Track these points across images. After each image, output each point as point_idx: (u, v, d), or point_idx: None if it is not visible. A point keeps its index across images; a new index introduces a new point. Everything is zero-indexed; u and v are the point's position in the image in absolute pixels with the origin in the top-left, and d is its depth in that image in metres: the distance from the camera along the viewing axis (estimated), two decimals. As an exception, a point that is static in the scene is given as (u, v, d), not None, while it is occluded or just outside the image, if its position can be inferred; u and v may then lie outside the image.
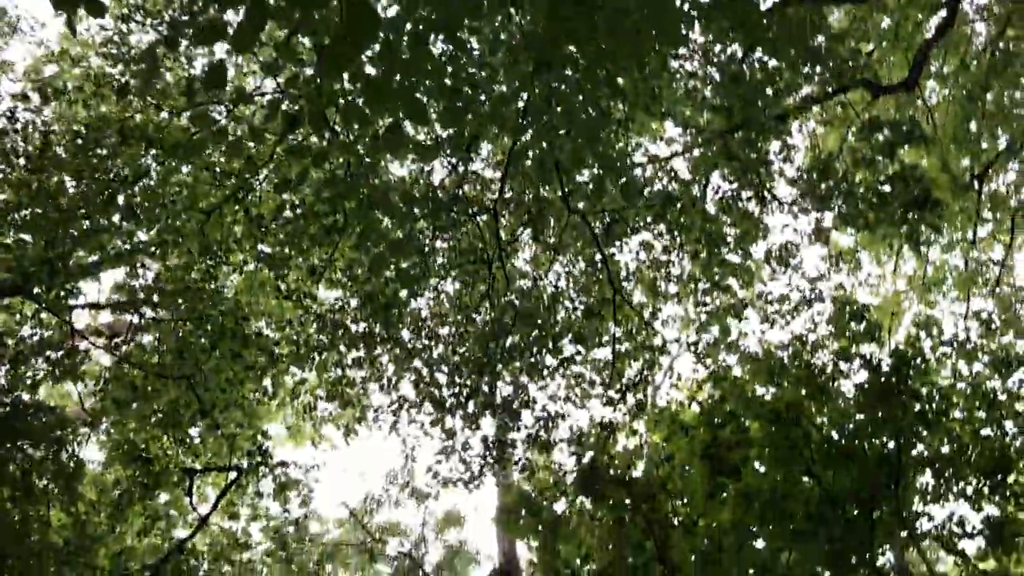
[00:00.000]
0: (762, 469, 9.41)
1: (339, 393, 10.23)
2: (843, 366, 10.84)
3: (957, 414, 11.20)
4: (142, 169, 9.72)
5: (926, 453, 11.09)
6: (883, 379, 10.52)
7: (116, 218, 9.69)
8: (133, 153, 9.53)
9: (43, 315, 10.35)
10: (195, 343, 9.78)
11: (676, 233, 10.85)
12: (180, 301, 9.80)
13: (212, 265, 10.12)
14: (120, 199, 9.58)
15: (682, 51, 9.17)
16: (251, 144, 8.33)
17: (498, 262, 8.89)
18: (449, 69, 4.20)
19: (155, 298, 10.27)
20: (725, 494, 9.08)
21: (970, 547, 11.40)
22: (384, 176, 8.62)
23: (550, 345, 9.36)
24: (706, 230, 10.60)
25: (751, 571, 9.47)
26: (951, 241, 14.53)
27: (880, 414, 10.24)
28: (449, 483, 9.75)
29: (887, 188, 10.57)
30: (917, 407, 10.73)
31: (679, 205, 10.05)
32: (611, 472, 8.40)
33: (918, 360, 10.83)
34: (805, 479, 9.35)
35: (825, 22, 10.27)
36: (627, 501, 8.34)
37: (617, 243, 9.70)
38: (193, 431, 10.82)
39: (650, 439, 10.14)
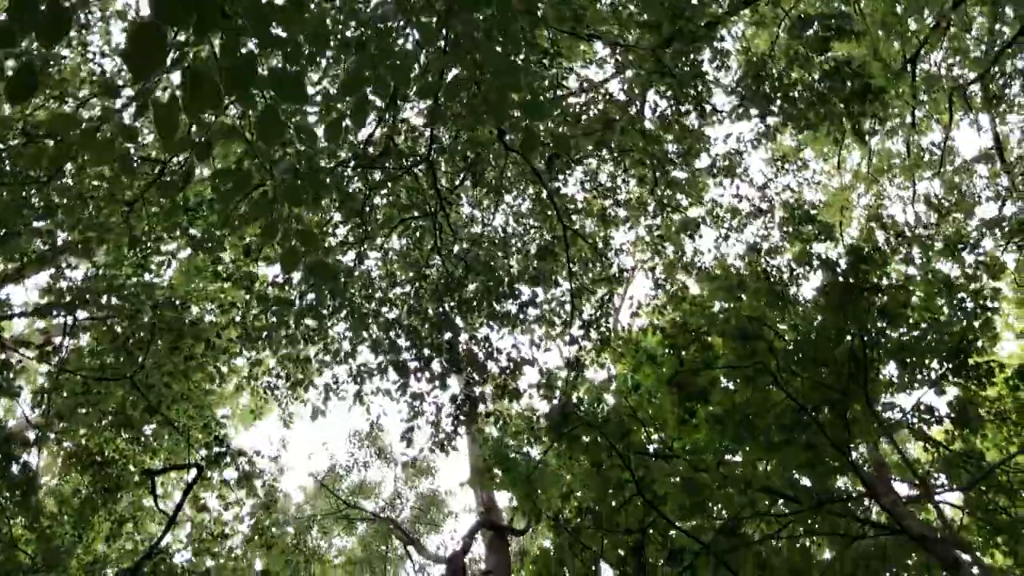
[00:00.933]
0: (731, 386, 9.32)
1: (294, 371, 9.86)
2: (802, 270, 10.75)
3: (915, 301, 11.25)
4: (53, 166, 9.07)
5: (889, 345, 11.14)
6: (841, 278, 10.46)
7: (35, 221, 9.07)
8: (39, 151, 8.87)
9: (-32, 332, 9.74)
10: (132, 340, 9.28)
11: (619, 158, 10.54)
12: (113, 299, 9.27)
13: (143, 257, 9.57)
14: (35, 199, 8.96)
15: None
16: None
17: (441, 212, 8.50)
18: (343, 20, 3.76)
19: (87, 298, 9.71)
20: (695, 419, 8.99)
21: (938, 432, 11.61)
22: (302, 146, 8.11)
23: (506, 291, 9.06)
24: (649, 150, 10.31)
25: (731, 488, 9.47)
26: (891, 128, 14.44)
27: (842, 314, 10.20)
28: (423, 450, 9.48)
29: (824, 85, 10.37)
30: (877, 301, 10.74)
31: (619, 128, 9.69)
32: (581, 412, 8.22)
33: (874, 254, 10.79)
34: (774, 389, 9.28)
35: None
36: (600, 439, 8.19)
37: (560, 176, 9.34)
38: (147, 429, 10.39)
39: (617, 371, 9.98)
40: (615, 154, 9.85)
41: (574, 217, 9.69)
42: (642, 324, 10.64)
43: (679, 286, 10.89)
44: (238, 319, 9.93)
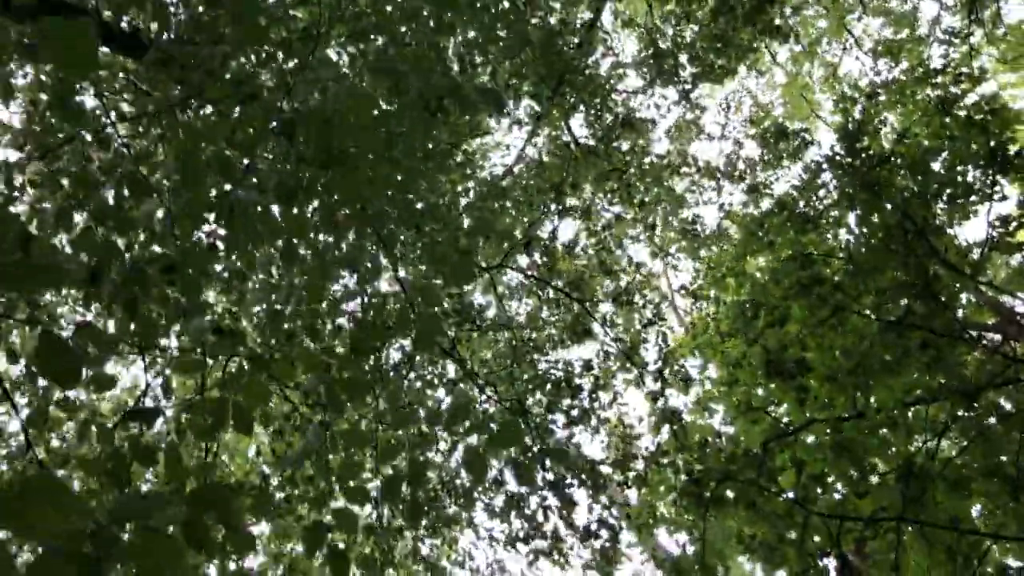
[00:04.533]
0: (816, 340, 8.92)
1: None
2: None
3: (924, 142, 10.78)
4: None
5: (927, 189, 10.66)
6: (858, 169, 10.06)
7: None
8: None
9: None
10: None
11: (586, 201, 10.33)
12: None
13: None
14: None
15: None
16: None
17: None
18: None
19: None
20: (811, 393, 8.56)
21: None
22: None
23: (568, 391, 8.75)
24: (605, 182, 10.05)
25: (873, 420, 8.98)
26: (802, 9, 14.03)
27: (874, 189, 9.77)
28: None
29: (718, 23, 10.10)
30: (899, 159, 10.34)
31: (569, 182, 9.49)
32: (719, 464, 7.80)
33: (859, 123, 10.39)
34: (854, 315, 8.85)
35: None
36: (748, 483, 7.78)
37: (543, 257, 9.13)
38: None
39: (703, 399, 9.52)
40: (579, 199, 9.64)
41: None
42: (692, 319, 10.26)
43: (706, 260, 10.53)
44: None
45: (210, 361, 3.25)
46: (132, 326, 3.12)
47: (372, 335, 3.07)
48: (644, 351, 9.15)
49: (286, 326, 3.41)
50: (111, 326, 3.11)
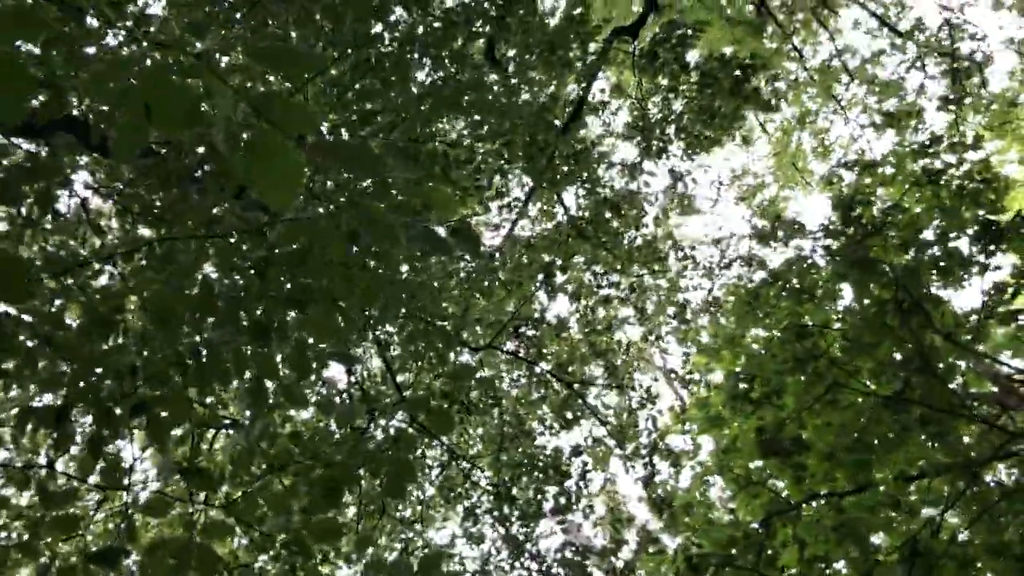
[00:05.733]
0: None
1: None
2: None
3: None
4: None
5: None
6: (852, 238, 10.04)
7: None
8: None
9: None
10: None
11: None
12: None
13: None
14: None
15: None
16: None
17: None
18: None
19: None
20: (808, 471, 8.43)
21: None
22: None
23: (555, 478, 8.61)
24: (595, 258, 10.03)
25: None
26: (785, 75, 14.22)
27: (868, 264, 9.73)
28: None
29: (703, 94, 10.19)
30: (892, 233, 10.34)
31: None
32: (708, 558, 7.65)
33: (855, 196, 10.39)
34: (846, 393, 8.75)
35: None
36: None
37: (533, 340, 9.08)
38: None
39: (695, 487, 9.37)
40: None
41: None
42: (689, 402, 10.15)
43: (696, 339, 10.46)
44: None
45: (177, 506, 3.18)
46: (98, 466, 3.06)
47: (343, 479, 3.00)
48: (635, 433, 9.04)
49: (253, 468, 3.34)
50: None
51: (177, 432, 3.52)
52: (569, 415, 8.80)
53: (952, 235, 10.99)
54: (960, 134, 10.72)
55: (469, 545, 8.57)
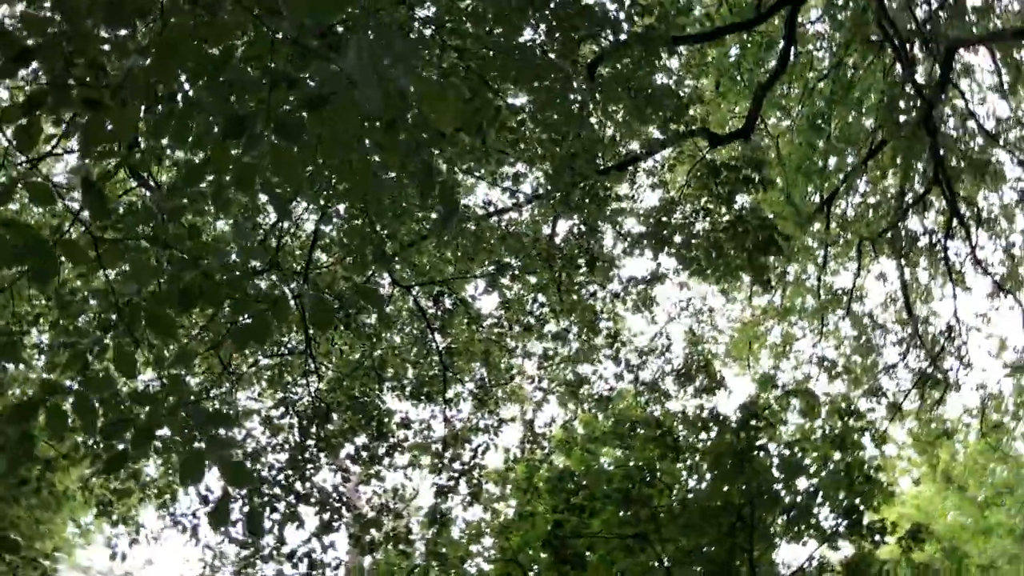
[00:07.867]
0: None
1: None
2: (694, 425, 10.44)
3: (808, 461, 10.99)
4: None
5: (780, 500, 10.83)
6: (732, 436, 10.18)
7: None
8: None
9: None
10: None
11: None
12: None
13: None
14: None
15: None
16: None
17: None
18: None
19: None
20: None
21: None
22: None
23: (374, 430, 8.46)
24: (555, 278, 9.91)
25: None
26: (800, 271, 14.45)
27: (732, 476, 9.88)
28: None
29: (726, 235, 10.18)
30: (770, 461, 10.52)
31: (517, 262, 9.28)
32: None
33: (765, 412, 10.55)
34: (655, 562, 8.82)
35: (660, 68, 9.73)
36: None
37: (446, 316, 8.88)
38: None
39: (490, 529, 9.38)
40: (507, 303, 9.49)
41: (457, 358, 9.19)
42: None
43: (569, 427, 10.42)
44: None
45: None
46: None
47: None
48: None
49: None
50: None
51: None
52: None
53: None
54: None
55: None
